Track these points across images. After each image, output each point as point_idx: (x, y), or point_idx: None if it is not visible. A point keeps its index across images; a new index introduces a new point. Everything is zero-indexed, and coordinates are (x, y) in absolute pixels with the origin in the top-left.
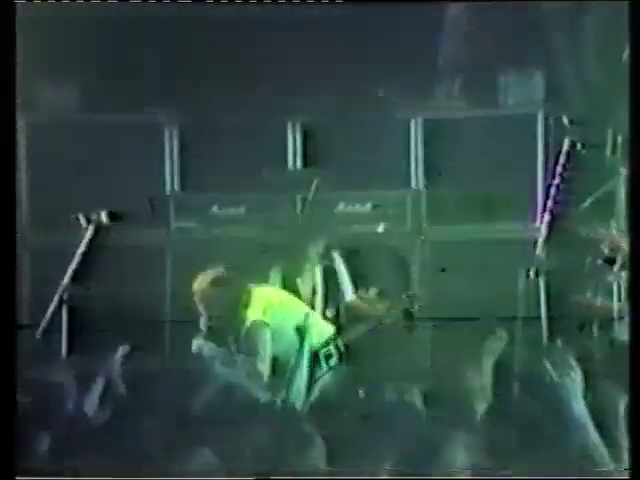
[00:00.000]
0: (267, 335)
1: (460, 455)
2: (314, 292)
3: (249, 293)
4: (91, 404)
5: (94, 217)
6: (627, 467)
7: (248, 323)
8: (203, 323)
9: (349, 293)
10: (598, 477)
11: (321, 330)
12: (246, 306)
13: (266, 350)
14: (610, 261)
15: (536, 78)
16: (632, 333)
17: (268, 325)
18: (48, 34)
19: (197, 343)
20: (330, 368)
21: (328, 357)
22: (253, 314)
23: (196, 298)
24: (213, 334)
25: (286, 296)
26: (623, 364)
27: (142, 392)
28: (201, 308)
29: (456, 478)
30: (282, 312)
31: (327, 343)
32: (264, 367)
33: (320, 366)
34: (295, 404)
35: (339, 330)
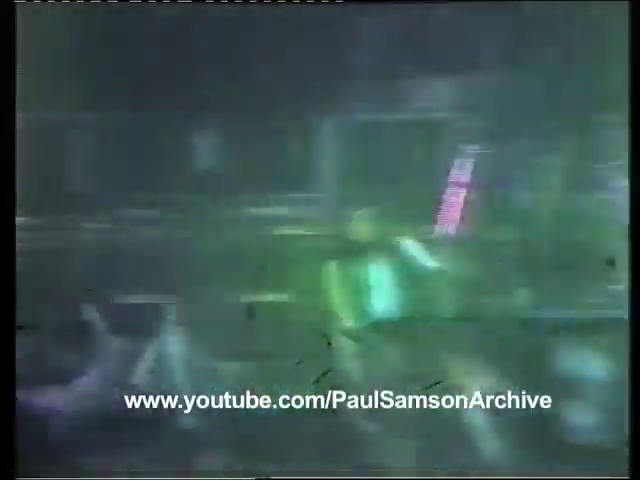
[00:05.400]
0: None
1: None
2: None
3: None
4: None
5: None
6: (627, 467)
7: None
8: None
9: None
10: (598, 477)
11: None
12: None
13: None
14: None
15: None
16: (632, 333)
17: None
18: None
19: None
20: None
21: None
22: None
23: None
24: None
25: None
26: (623, 364)
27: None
28: None
29: (456, 478)
30: None
31: None
32: None
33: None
34: None
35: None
